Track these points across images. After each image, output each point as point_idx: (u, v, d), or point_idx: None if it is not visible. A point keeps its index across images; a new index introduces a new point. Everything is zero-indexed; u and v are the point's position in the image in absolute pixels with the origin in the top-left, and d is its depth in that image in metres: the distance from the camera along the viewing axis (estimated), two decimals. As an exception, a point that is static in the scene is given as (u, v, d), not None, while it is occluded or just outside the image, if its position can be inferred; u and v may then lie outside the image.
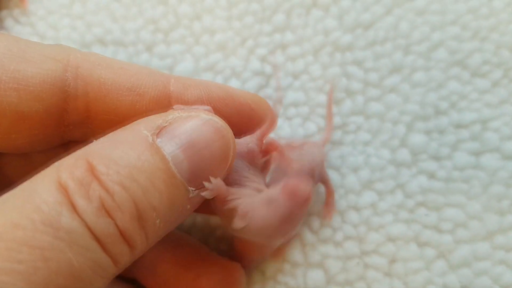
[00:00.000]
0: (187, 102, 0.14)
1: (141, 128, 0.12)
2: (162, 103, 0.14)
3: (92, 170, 0.10)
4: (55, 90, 0.13)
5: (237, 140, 0.14)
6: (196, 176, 0.12)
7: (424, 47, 0.20)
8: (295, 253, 0.18)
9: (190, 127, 0.12)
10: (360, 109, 0.19)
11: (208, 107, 0.13)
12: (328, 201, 0.18)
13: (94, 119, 0.13)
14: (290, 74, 0.20)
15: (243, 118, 0.14)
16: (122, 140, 0.11)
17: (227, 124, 0.13)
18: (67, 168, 0.10)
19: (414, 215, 0.18)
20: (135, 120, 0.12)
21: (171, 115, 0.12)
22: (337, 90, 0.20)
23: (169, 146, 0.11)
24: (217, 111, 0.14)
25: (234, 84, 0.20)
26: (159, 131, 0.12)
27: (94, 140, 0.12)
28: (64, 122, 0.13)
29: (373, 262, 0.18)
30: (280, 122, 0.19)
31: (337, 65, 0.20)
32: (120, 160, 0.11)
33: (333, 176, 0.18)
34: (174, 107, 0.13)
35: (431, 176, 0.19)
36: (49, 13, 0.22)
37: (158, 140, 0.11)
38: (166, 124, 0.12)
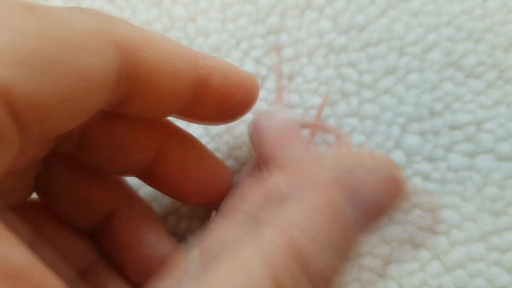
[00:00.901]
0: (211, 87, 0.14)
1: (335, 194, 0.10)
2: (193, 85, 0.13)
3: (305, 266, 0.09)
4: (114, 80, 0.12)
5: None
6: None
7: (419, 49, 0.20)
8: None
9: (376, 189, 0.11)
10: (355, 110, 0.19)
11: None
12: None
13: (134, 101, 0.13)
14: (285, 76, 0.20)
15: (247, 96, 0.15)
16: (319, 211, 0.10)
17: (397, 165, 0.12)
18: (279, 262, 0.09)
19: (409, 217, 0.18)
20: None
21: (358, 167, 0.11)
22: (332, 92, 0.20)
23: (360, 217, 0.11)
24: (230, 93, 0.14)
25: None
26: (349, 195, 0.10)
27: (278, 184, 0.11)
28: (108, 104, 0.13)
29: (367, 264, 0.18)
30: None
31: (331, 67, 0.20)
32: (326, 249, 0.10)
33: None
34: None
35: (426, 177, 0.19)
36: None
37: (350, 207, 0.10)
38: (361, 186, 0.11)
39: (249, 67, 0.20)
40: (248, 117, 0.17)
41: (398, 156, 0.19)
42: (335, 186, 0.11)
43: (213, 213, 0.17)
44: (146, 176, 0.17)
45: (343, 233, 0.10)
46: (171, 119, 0.16)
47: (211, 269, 0.10)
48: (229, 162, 0.19)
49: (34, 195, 0.16)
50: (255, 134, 0.16)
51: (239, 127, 0.20)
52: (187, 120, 0.16)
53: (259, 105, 0.20)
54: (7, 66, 0.09)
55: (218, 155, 0.19)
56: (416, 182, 0.19)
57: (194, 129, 0.19)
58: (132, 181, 0.18)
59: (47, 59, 0.10)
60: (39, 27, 0.10)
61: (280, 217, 0.10)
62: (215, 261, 0.10)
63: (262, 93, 0.20)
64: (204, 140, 0.20)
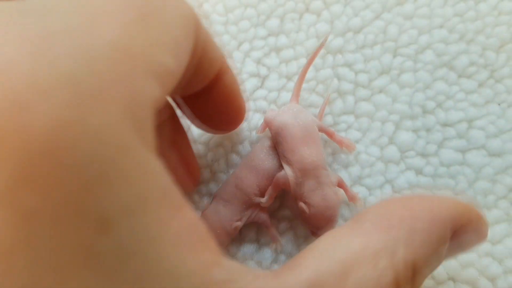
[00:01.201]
0: (223, 82, 0.15)
1: (443, 230, 0.12)
2: (215, 74, 0.15)
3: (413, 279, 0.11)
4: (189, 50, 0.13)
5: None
6: None
7: (412, 50, 0.21)
8: (290, 245, 0.19)
9: (473, 237, 0.13)
10: (351, 109, 0.20)
11: None
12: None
13: (190, 74, 0.14)
14: (284, 76, 0.21)
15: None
16: (431, 239, 0.12)
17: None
18: (403, 274, 0.11)
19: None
20: None
21: (463, 218, 0.13)
22: (329, 90, 0.21)
23: (451, 250, 0.13)
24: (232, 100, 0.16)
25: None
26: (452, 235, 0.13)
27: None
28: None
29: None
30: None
31: (329, 67, 0.21)
32: (428, 271, 0.12)
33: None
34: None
35: (419, 172, 0.19)
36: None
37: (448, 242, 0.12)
38: (459, 227, 0.13)
39: (250, 67, 0.21)
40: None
41: (392, 152, 0.20)
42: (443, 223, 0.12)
43: (206, 202, 0.19)
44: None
45: (440, 257, 0.13)
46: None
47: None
48: (231, 157, 0.20)
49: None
50: (279, 127, 0.17)
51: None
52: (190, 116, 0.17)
53: (260, 104, 0.21)
54: (167, 54, 0.10)
55: (221, 149, 0.20)
56: (410, 176, 0.19)
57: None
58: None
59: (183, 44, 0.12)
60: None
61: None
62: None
63: (262, 92, 0.21)
64: (207, 136, 0.21)
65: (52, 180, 0.07)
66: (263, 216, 0.18)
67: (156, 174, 0.09)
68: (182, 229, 0.09)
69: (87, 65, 0.08)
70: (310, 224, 0.17)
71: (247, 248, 0.19)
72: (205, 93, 0.15)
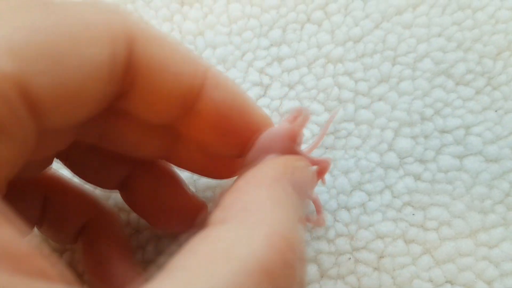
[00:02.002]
0: (212, 100, 0.13)
1: (287, 186, 0.12)
2: (192, 94, 0.13)
3: (292, 249, 0.10)
4: (121, 71, 0.12)
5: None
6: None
7: (411, 58, 0.21)
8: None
9: (308, 179, 0.14)
10: (351, 116, 0.21)
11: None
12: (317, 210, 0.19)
13: (132, 97, 0.13)
14: (286, 84, 0.22)
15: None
16: (283, 203, 0.12)
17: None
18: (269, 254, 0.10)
19: (401, 214, 0.19)
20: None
21: (292, 165, 0.13)
22: (329, 99, 0.21)
23: (301, 201, 0.13)
24: (233, 124, 0.14)
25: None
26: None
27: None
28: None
29: (363, 258, 0.19)
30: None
31: (329, 76, 0.22)
32: (297, 235, 0.11)
33: (325, 178, 0.20)
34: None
35: (417, 178, 0.20)
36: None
37: (296, 196, 0.13)
38: (290, 177, 0.13)
39: (253, 76, 0.22)
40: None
41: (391, 158, 0.20)
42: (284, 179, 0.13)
43: (210, 205, 0.18)
44: (124, 195, 0.18)
45: (298, 211, 0.12)
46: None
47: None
48: (208, 193, 0.20)
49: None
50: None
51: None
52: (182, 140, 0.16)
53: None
54: (23, 60, 0.09)
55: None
56: (408, 182, 0.20)
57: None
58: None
59: (60, 53, 0.10)
60: (54, 23, 0.10)
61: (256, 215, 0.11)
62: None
63: (265, 101, 0.22)
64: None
65: None
66: None
67: None
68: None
69: None
70: None
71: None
72: (198, 115, 0.14)
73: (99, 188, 0.19)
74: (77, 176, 0.18)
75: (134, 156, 0.17)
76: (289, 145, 0.15)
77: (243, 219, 0.11)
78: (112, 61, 0.11)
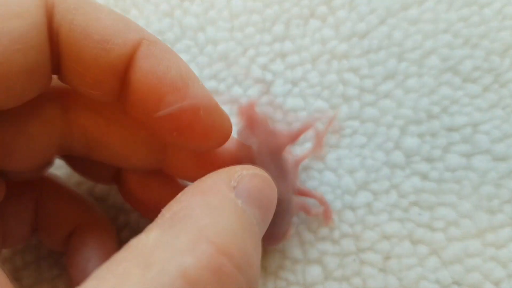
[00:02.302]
0: (143, 71, 0.12)
1: (227, 192, 0.11)
2: (121, 63, 0.12)
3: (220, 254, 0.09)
4: (45, 38, 0.11)
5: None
6: (265, 225, 0.13)
7: (417, 55, 0.21)
8: (295, 250, 0.19)
9: (259, 185, 0.12)
10: (356, 114, 0.20)
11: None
12: (325, 208, 0.19)
13: (64, 68, 0.12)
14: (290, 81, 0.21)
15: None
16: (219, 208, 0.11)
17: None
18: (191, 258, 0.09)
19: (408, 214, 0.19)
20: None
21: (236, 173, 0.12)
22: (334, 96, 0.21)
23: (250, 208, 0.11)
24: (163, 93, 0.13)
25: (237, 91, 0.21)
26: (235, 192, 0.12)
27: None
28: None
29: (368, 259, 0.19)
30: (279, 126, 0.21)
31: (334, 72, 0.21)
32: (233, 239, 0.10)
33: (330, 177, 0.20)
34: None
35: (424, 177, 0.19)
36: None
37: (239, 202, 0.11)
38: (235, 184, 0.12)
39: (255, 73, 0.21)
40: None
41: (397, 157, 0.20)
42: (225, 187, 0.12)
43: None
44: (121, 189, 0.18)
45: (244, 219, 0.11)
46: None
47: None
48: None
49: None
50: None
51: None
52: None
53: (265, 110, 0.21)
54: None
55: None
56: (415, 181, 0.19)
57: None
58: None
59: None
60: None
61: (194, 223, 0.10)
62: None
63: (268, 98, 0.21)
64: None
65: None
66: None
67: None
68: None
69: None
70: None
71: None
72: (133, 90, 0.13)
73: (98, 183, 0.19)
74: (76, 171, 0.18)
75: (127, 167, 0.16)
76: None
77: (168, 226, 0.10)
78: (32, 32, 0.11)
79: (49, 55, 0.12)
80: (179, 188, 0.17)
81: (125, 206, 0.20)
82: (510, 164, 0.19)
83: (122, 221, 0.20)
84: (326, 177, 0.20)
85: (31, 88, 0.12)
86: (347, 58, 0.21)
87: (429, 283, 0.18)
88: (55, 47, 0.12)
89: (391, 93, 0.21)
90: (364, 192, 0.19)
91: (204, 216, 0.10)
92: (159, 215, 0.11)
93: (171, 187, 0.17)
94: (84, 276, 0.16)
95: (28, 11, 0.11)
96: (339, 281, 0.19)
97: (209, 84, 0.21)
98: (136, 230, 0.20)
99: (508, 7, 0.21)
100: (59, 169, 0.20)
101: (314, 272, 0.19)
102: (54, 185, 0.18)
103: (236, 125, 0.16)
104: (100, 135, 0.15)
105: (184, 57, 0.22)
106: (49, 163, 0.17)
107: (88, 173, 0.18)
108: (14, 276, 0.19)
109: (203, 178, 0.12)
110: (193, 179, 0.16)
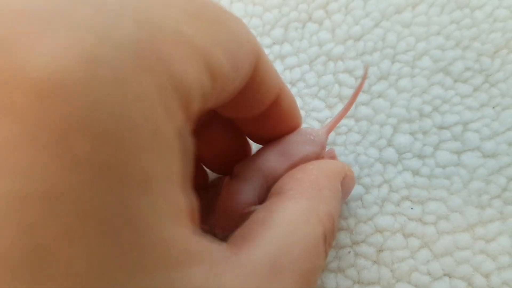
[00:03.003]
0: (281, 108, 0.16)
1: (338, 179, 0.16)
2: (272, 101, 0.16)
3: (334, 227, 0.14)
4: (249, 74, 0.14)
5: (307, 132, 0.18)
6: None
7: (410, 56, 0.22)
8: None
9: (349, 181, 0.17)
10: (351, 112, 0.21)
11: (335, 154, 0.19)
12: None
13: (240, 96, 0.15)
14: (288, 82, 0.22)
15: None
16: (334, 192, 0.15)
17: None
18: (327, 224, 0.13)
19: (400, 208, 0.20)
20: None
21: (346, 169, 0.17)
22: (330, 96, 0.22)
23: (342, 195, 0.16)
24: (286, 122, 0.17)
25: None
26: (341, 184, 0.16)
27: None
28: None
29: (362, 251, 0.19)
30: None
31: (330, 73, 0.22)
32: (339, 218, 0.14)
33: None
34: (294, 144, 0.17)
35: (416, 172, 0.20)
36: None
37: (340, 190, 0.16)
38: (344, 176, 0.16)
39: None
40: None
41: (390, 153, 0.21)
42: (339, 179, 0.16)
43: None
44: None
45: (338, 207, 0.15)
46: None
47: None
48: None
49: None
50: None
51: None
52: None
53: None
54: (223, 56, 0.11)
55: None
56: (407, 176, 0.20)
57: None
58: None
59: (232, 50, 0.12)
60: (228, 31, 0.12)
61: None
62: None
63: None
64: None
65: (101, 131, 0.08)
66: None
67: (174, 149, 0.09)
68: (174, 206, 0.09)
69: (150, 35, 0.09)
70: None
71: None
72: (260, 118, 0.16)
73: None
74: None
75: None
76: (323, 146, 0.18)
77: (312, 196, 0.14)
78: (252, 65, 0.13)
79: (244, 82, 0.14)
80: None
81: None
82: (499, 160, 0.20)
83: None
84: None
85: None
86: (343, 59, 0.22)
87: (421, 275, 0.19)
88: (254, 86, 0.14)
89: (384, 93, 0.21)
90: (357, 186, 0.20)
91: (331, 198, 0.15)
92: (290, 177, 0.15)
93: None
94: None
95: (251, 55, 0.13)
96: (335, 273, 0.19)
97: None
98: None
99: (499, 10, 0.22)
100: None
101: (310, 263, 0.19)
102: None
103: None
104: None
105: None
106: None
107: None
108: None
109: (327, 162, 0.17)
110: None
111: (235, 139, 0.19)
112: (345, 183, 0.16)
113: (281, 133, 0.17)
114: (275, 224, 0.12)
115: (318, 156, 0.17)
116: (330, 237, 0.14)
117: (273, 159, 0.17)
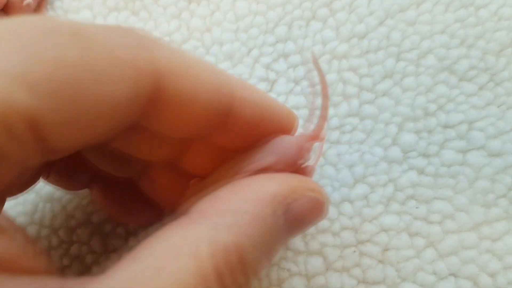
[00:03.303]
0: (241, 119, 0.14)
1: (275, 206, 0.12)
2: (223, 115, 0.13)
3: (241, 261, 0.10)
4: (142, 105, 0.12)
5: (286, 139, 0.15)
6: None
7: (414, 55, 0.22)
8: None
9: (307, 208, 0.13)
10: (356, 111, 0.21)
11: (314, 169, 0.14)
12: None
13: (161, 123, 0.13)
14: (292, 80, 0.22)
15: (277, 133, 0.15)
16: (259, 217, 0.11)
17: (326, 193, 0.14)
18: (222, 257, 0.10)
19: (405, 208, 0.20)
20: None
21: (296, 189, 0.12)
22: (334, 94, 0.22)
23: (289, 227, 0.12)
24: (260, 129, 0.14)
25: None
26: (284, 211, 0.12)
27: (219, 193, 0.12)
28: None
29: (367, 251, 0.19)
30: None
31: (334, 71, 0.22)
32: (260, 248, 0.11)
33: (329, 171, 0.20)
34: (270, 151, 0.14)
35: (421, 171, 0.20)
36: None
37: (283, 218, 0.12)
38: (291, 201, 0.12)
39: (259, 72, 0.22)
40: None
41: (395, 152, 0.20)
42: (277, 202, 0.12)
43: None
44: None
45: (275, 237, 0.12)
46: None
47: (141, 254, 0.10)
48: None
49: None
50: None
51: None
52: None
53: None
54: (41, 95, 0.09)
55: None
56: (412, 175, 0.20)
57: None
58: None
59: (81, 91, 0.10)
60: (80, 56, 0.10)
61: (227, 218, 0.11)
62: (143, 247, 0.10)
63: (272, 96, 0.22)
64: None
65: None
66: None
67: None
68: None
69: None
70: None
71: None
72: (222, 133, 0.14)
73: (72, 189, 0.19)
74: (48, 181, 0.18)
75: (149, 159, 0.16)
76: (296, 158, 0.14)
77: (218, 222, 0.11)
78: (134, 98, 0.11)
79: (139, 117, 0.12)
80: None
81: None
82: (505, 159, 0.20)
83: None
84: (326, 171, 0.20)
85: (99, 140, 0.12)
86: (347, 58, 0.22)
87: (426, 275, 0.19)
88: (154, 110, 0.12)
89: (389, 91, 0.21)
90: (362, 185, 0.20)
91: (248, 229, 0.11)
92: (188, 211, 0.12)
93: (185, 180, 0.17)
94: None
95: (136, 80, 0.11)
96: (339, 272, 0.19)
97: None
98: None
99: (504, 9, 0.22)
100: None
101: (316, 263, 0.19)
102: None
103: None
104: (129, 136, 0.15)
105: (190, 57, 0.23)
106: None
107: (59, 182, 0.18)
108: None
109: (266, 182, 0.13)
110: (205, 175, 0.16)
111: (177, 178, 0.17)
112: (295, 209, 0.12)
113: (259, 139, 0.15)
114: (142, 256, 0.10)
115: (286, 169, 0.15)
116: (235, 274, 0.10)
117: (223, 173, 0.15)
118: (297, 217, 0.12)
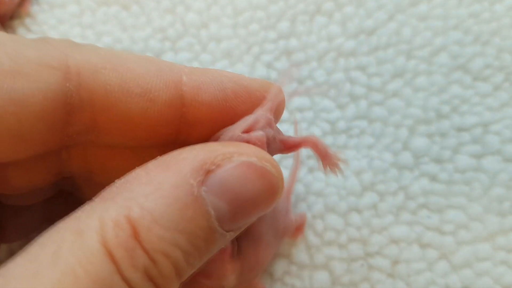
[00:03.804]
0: (201, 103, 0.12)
1: (187, 174, 0.10)
2: (175, 105, 0.12)
3: (136, 235, 0.09)
4: (58, 106, 0.11)
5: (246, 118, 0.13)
6: (236, 223, 0.11)
7: (426, 52, 0.20)
8: (301, 255, 0.19)
9: (237, 175, 0.11)
10: (364, 113, 0.20)
11: (261, 134, 0.12)
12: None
13: (101, 128, 0.12)
14: (295, 79, 0.21)
15: (255, 106, 0.13)
16: (165, 188, 0.10)
17: (276, 164, 0.11)
18: (111, 232, 0.09)
19: (417, 217, 0.19)
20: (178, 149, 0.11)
21: (218, 154, 0.11)
22: (341, 95, 0.20)
23: (213, 198, 0.10)
24: (231, 107, 0.13)
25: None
26: (204, 177, 0.10)
27: (135, 171, 0.11)
28: (67, 134, 0.12)
29: (376, 264, 0.18)
30: (285, 126, 0.20)
31: (340, 70, 0.20)
32: (162, 221, 0.10)
33: (335, 179, 0.19)
34: (224, 132, 0.12)
35: (433, 178, 0.19)
36: (60, 23, 0.22)
37: (203, 189, 0.10)
38: (213, 167, 0.10)
39: (260, 71, 0.21)
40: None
41: (406, 157, 0.19)
42: (190, 170, 0.10)
43: None
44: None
45: (194, 213, 0.10)
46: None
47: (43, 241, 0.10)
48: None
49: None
50: None
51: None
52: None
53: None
54: None
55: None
56: (424, 183, 0.19)
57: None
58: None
59: None
60: None
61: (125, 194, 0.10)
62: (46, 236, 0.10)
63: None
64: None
65: None
66: None
67: None
68: None
69: None
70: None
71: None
72: (193, 124, 0.13)
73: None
74: None
75: None
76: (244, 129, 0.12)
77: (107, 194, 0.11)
78: (43, 94, 0.11)
79: (66, 121, 0.12)
80: None
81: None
82: (522, 165, 0.19)
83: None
84: (332, 179, 0.19)
85: (23, 149, 0.12)
86: (355, 55, 0.21)
87: (438, 288, 0.18)
88: (86, 115, 0.12)
89: (399, 91, 0.20)
90: (371, 193, 0.19)
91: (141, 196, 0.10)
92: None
93: None
94: None
95: (42, 75, 0.11)
96: (346, 287, 0.18)
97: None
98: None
99: (520, 3, 0.21)
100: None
101: (321, 278, 0.18)
102: None
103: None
104: (100, 158, 0.14)
105: (186, 55, 0.21)
106: (49, 187, 0.15)
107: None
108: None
109: (176, 153, 0.11)
110: None
111: None
112: (220, 177, 0.10)
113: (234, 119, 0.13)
114: (48, 234, 0.10)
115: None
116: (131, 251, 0.09)
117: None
118: (227, 188, 0.11)
